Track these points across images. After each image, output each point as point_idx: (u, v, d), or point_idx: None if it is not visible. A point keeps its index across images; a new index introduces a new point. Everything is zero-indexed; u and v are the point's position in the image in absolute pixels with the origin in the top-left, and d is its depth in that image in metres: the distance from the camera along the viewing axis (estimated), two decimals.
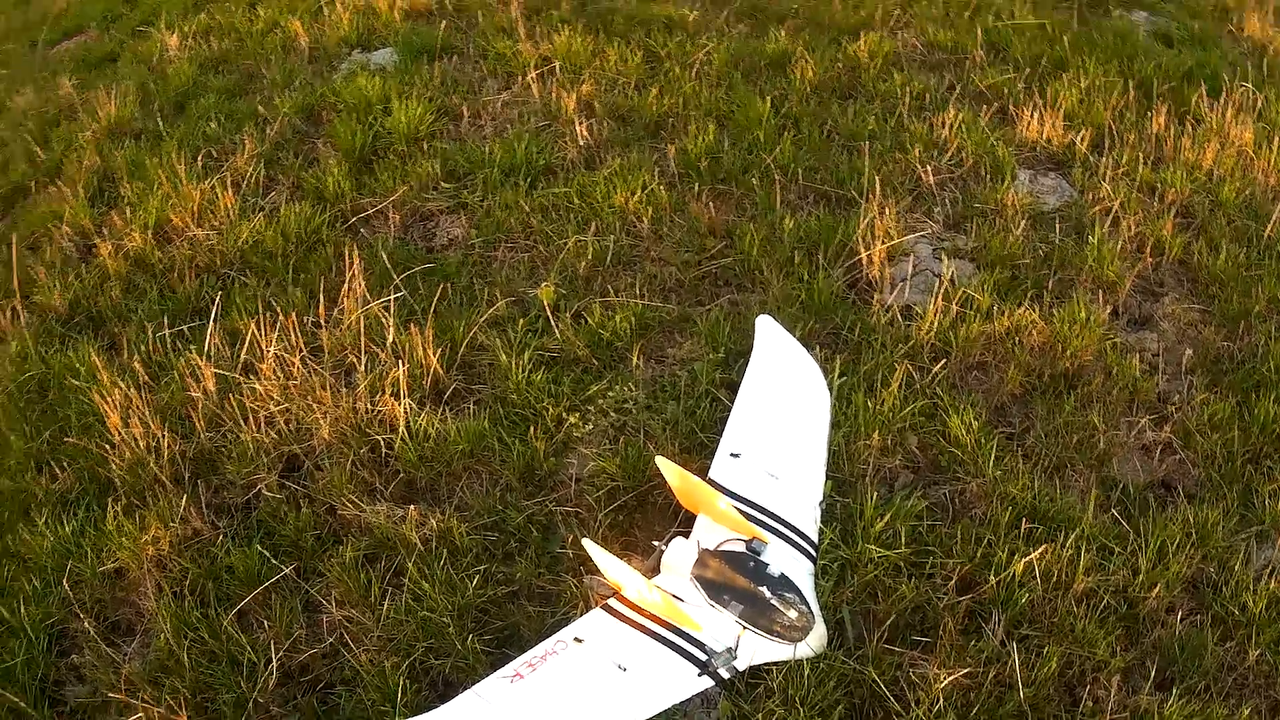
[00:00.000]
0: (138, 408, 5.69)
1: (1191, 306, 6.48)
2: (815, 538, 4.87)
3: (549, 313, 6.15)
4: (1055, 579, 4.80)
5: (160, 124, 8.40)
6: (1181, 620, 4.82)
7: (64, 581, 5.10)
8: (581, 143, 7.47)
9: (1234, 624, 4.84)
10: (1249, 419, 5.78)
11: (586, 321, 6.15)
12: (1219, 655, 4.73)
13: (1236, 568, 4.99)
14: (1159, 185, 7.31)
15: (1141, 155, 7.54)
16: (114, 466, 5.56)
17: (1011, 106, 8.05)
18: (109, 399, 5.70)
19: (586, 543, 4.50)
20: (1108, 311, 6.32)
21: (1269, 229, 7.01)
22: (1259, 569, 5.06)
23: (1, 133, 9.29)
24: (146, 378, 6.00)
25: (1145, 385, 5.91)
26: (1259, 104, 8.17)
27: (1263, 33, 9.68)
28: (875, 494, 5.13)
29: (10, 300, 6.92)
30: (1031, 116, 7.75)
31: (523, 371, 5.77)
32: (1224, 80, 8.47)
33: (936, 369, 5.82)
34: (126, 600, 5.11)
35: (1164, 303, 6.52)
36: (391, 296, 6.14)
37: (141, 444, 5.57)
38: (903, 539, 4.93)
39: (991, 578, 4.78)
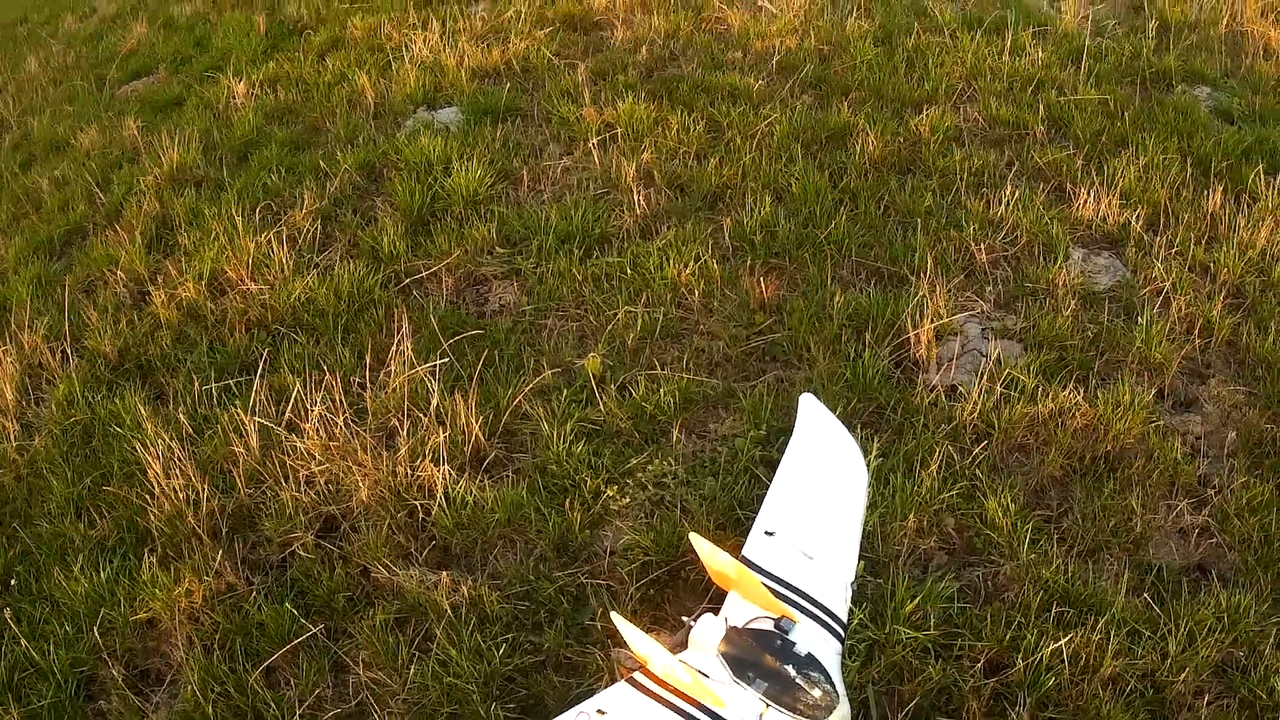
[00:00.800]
0: (180, 460, 5.74)
1: (1237, 389, 6.42)
2: (845, 618, 4.84)
3: (594, 384, 6.15)
4: (1083, 662, 4.76)
5: (222, 173, 8.46)
6: (1208, 705, 4.77)
7: (95, 628, 5.14)
8: (639, 212, 7.45)
9: (1261, 708, 4.79)
10: None
11: (631, 394, 6.12)
12: None
13: (1266, 651, 4.94)
14: (1211, 265, 7.23)
15: (1195, 234, 7.47)
16: (153, 517, 5.59)
17: (1069, 184, 7.98)
18: (152, 450, 5.75)
19: (615, 616, 4.49)
20: (1153, 394, 6.26)
21: None
22: None
23: (64, 171, 9.36)
24: (190, 430, 6.06)
25: (1186, 469, 5.84)
26: None
27: None
28: (908, 575, 5.10)
29: (60, 343, 6.98)
30: (1088, 195, 7.69)
31: (564, 442, 5.76)
32: None
33: (977, 450, 5.77)
34: (156, 650, 5.16)
35: (1210, 385, 6.46)
36: (437, 362, 6.15)
37: (181, 496, 5.61)
38: (933, 621, 4.90)
39: (1020, 660, 4.74)
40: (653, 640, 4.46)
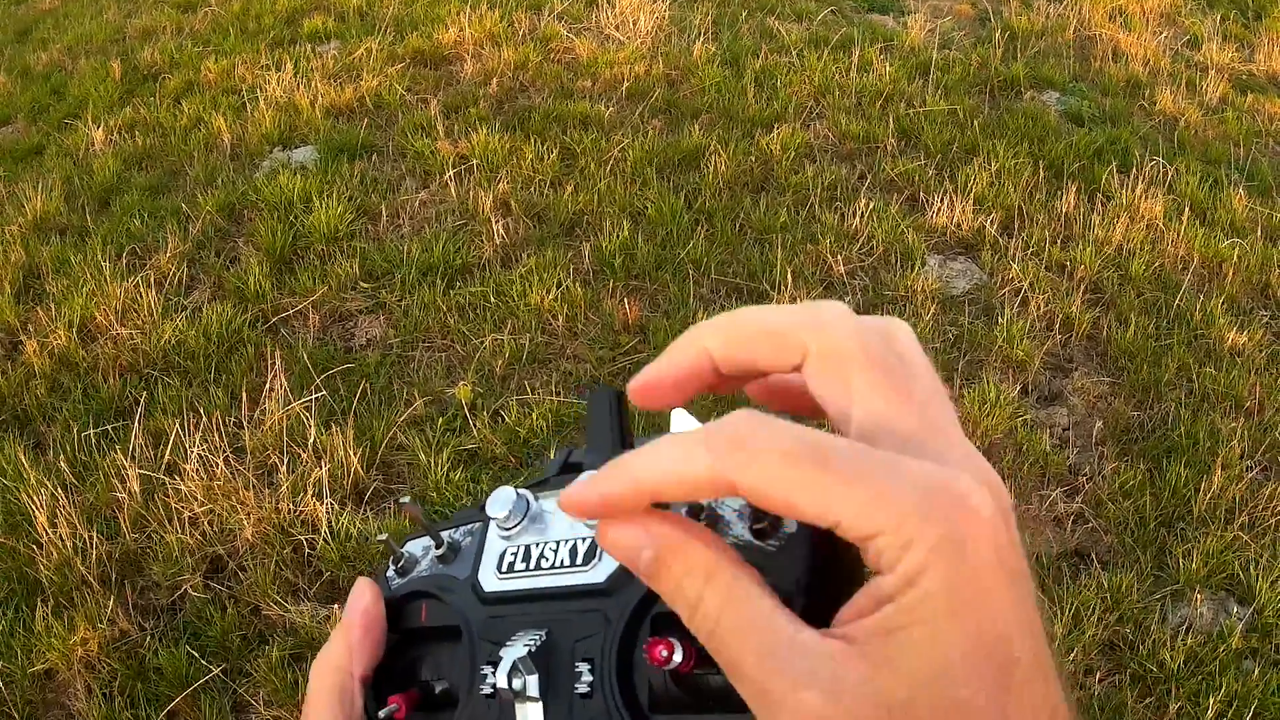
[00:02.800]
0: (64, 508, 5.75)
1: (1101, 380, 6.67)
2: None
3: (466, 411, 6.27)
4: None
5: (85, 220, 8.48)
6: (1100, 681, 5.01)
7: None
8: (498, 241, 7.56)
9: (1152, 680, 5.04)
10: (1160, 484, 5.99)
11: (504, 419, 6.26)
12: (1139, 712, 4.92)
13: (1153, 627, 5.21)
14: (1068, 263, 7.51)
15: (1051, 234, 7.75)
16: (42, 566, 5.60)
17: (922, 193, 8.22)
18: (36, 498, 5.76)
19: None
20: (1018, 389, 6.50)
21: (1178, 299, 7.23)
22: (1175, 626, 5.28)
23: None
24: (72, 477, 6.07)
25: (1056, 459, 6.10)
26: (1169, 177, 8.42)
27: (1174, 106, 9.92)
28: None
29: None
30: (941, 202, 7.93)
31: (442, 470, 5.89)
32: (1135, 156, 8.74)
33: None
34: (57, 701, 5.16)
35: (1074, 378, 6.71)
36: (312, 397, 6.24)
37: (69, 544, 5.62)
38: None
39: None
40: None
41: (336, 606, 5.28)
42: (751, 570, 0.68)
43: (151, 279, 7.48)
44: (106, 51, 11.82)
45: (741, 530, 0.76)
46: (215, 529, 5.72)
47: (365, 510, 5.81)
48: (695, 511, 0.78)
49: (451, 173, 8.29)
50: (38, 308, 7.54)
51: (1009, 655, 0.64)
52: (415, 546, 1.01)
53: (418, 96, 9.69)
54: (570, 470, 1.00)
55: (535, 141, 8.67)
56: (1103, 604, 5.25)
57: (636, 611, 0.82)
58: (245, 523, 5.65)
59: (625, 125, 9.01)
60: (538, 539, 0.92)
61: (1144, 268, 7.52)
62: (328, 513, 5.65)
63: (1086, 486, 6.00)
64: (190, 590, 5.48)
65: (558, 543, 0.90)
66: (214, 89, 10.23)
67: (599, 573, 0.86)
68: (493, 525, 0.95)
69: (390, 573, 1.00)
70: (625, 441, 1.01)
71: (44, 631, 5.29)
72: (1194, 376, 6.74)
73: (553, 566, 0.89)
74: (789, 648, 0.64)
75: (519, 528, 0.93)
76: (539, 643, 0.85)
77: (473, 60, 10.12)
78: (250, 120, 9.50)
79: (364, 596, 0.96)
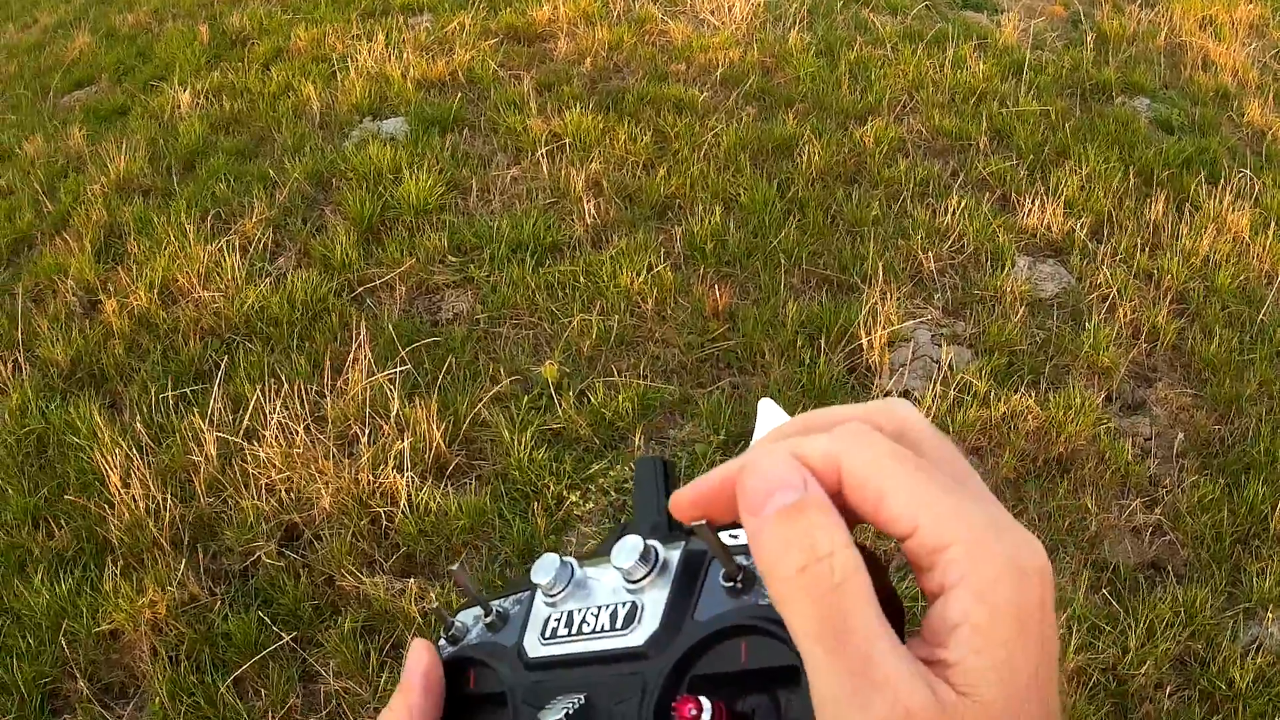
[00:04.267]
0: (138, 469, 5.70)
1: (1184, 391, 6.56)
2: None
3: (552, 391, 6.18)
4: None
5: (170, 182, 8.43)
6: (1170, 696, 4.89)
7: (59, 640, 5.10)
8: (589, 221, 7.47)
9: (1221, 698, 4.92)
10: (1238, 500, 5.86)
11: (589, 401, 6.15)
12: None
13: (1224, 644, 5.10)
14: (1155, 272, 7.37)
15: (1139, 242, 7.61)
16: (113, 527, 5.55)
17: (1013, 193, 8.10)
18: (109, 458, 5.71)
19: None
20: (1102, 397, 6.39)
21: (1262, 314, 7.09)
22: (1246, 644, 5.17)
23: (9, 180, 9.28)
24: (148, 439, 6.01)
25: (1137, 469, 5.97)
26: (1256, 190, 8.29)
27: (1262, 119, 9.77)
28: None
29: (13, 352, 6.93)
30: (1032, 204, 7.80)
31: (525, 449, 5.79)
32: (1223, 166, 8.60)
33: None
34: (121, 663, 5.10)
35: (1157, 388, 6.59)
36: (397, 370, 6.16)
37: (141, 506, 5.57)
38: None
39: None
40: None
41: (412, 581, 5.19)
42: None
43: (236, 244, 7.42)
44: (194, 15, 11.83)
45: None
46: (292, 497, 5.64)
47: (446, 485, 5.72)
48: (731, 575, 0.83)
49: (543, 150, 8.20)
50: (119, 267, 7.50)
51: (1052, 702, 0.69)
52: (467, 616, 1.02)
53: (510, 73, 9.61)
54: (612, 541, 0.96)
55: (628, 123, 8.56)
56: (1176, 618, 5.16)
57: (673, 673, 0.84)
58: (323, 492, 5.56)
59: (719, 111, 8.90)
60: (580, 605, 0.93)
61: (1229, 280, 7.38)
62: (408, 486, 5.56)
63: (1166, 498, 5.90)
64: (264, 557, 5.40)
65: (599, 608, 0.91)
66: (303, 57, 10.18)
67: (637, 636, 0.87)
68: (538, 593, 0.96)
69: (441, 641, 1.02)
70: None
71: (111, 592, 5.23)
72: (1275, 393, 6.61)
73: (594, 631, 0.90)
74: (893, 641, 0.68)
75: (563, 594, 0.94)
76: (577, 706, 0.86)
77: (566, 39, 10.03)
78: (340, 89, 9.44)
79: (423, 659, 0.96)
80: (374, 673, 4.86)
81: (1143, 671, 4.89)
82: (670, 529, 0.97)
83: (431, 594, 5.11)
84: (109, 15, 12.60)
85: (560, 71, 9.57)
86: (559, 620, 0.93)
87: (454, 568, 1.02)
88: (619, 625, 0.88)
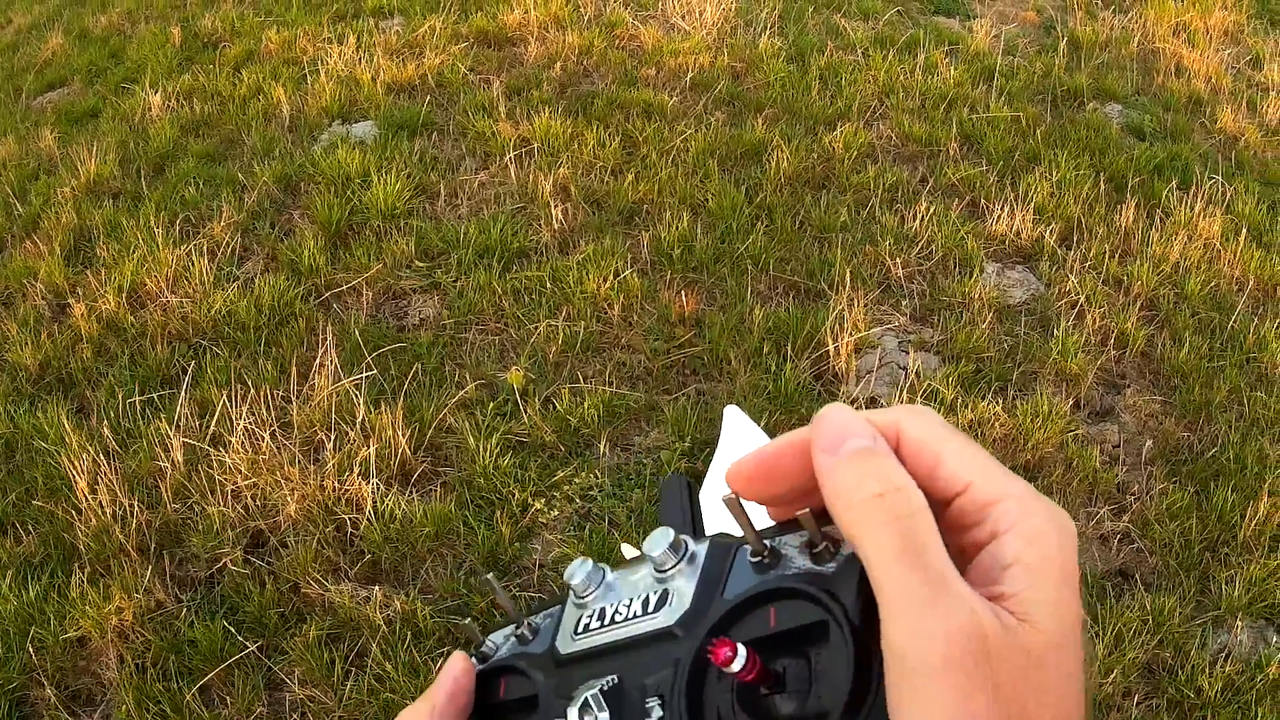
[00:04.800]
0: (105, 474, 5.70)
1: (1153, 398, 6.58)
2: None
3: (518, 397, 6.19)
4: None
5: (139, 185, 8.43)
6: (1138, 704, 4.92)
7: (26, 646, 5.10)
8: (556, 226, 7.47)
9: (1189, 706, 4.95)
10: (1207, 507, 5.89)
11: (555, 407, 6.16)
12: None
13: (1192, 652, 5.12)
14: (1125, 278, 7.39)
15: (1109, 248, 7.63)
16: (80, 533, 5.56)
17: (983, 200, 8.11)
18: (77, 463, 5.72)
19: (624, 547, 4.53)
20: (1070, 404, 6.41)
21: (1232, 320, 7.13)
22: (1214, 653, 5.20)
23: None
24: (115, 444, 6.02)
25: (1105, 476, 5.99)
26: (1228, 197, 8.30)
27: (1235, 125, 9.80)
28: None
29: None
30: (1002, 210, 7.82)
31: (490, 455, 5.80)
32: (1195, 173, 8.62)
33: None
34: (88, 670, 5.11)
35: (1126, 395, 6.62)
36: (363, 375, 6.17)
37: (108, 511, 5.58)
38: None
39: None
40: None
41: (377, 589, 5.21)
42: None
43: (204, 247, 7.42)
44: (167, 17, 11.82)
45: (803, 561, 0.84)
46: (258, 503, 5.66)
47: (411, 492, 5.73)
48: (759, 552, 0.87)
49: (512, 155, 8.21)
50: (87, 271, 7.51)
51: (1080, 647, 0.75)
52: (497, 637, 1.04)
53: (480, 77, 9.62)
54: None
55: (597, 128, 8.57)
56: (1144, 626, 5.18)
57: (705, 641, 0.84)
58: (289, 498, 5.57)
59: (688, 116, 8.91)
60: (612, 602, 0.95)
61: (1199, 287, 7.40)
62: (373, 493, 5.57)
63: (1134, 505, 5.92)
64: (230, 564, 5.41)
65: (630, 599, 0.93)
66: (274, 59, 10.19)
67: (667, 617, 0.89)
68: (570, 597, 0.98)
69: (471, 660, 1.03)
70: (696, 525, 1.11)
71: (79, 598, 5.24)
72: (1245, 400, 6.64)
73: (625, 619, 0.92)
74: (952, 569, 0.74)
75: (593, 596, 0.96)
76: (609, 685, 0.88)
77: (537, 43, 10.04)
78: (310, 92, 9.44)
79: (456, 665, 0.99)
80: (339, 681, 4.88)
81: (1110, 680, 4.91)
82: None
83: (397, 601, 5.13)
84: (83, 17, 12.58)
85: (530, 76, 9.57)
86: (590, 616, 0.95)
87: (487, 577, 1.03)
88: (650, 609, 0.91)
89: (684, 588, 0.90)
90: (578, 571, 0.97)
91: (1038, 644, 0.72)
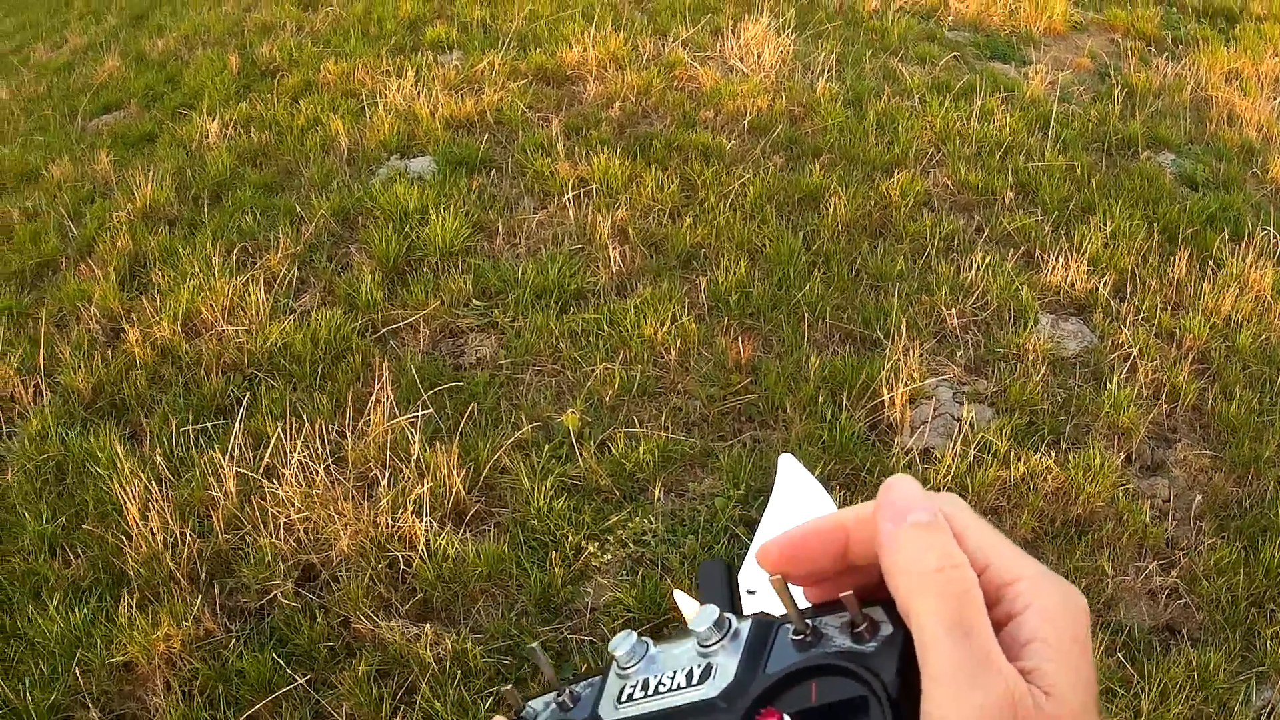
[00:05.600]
0: (157, 501, 5.70)
1: (1203, 453, 6.52)
2: None
3: (573, 440, 6.17)
4: None
5: (196, 212, 8.46)
6: None
7: (72, 669, 5.10)
8: (614, 268, 7.46)
9: None
10: (1254, 563, 5.82)
11: (610, 451, 6.14)
12: None
13: (1236, 708, 5.08)
14: (1177, 331, 7.36)
15: (1162, 301, 7.60)
16: (129, 558, 5.55)
17: (1038, 250, 8.07)
18: (128, 489, 5.72)
19: (677, 593, 4.51)
20: (1121, 457, 6.36)
21: None
22: (1258, 709, 5.16)
23: (35, 202, 9.30)
24: (167, 472, 6.02)
25: (1155, 531, 5.94)
26: (1279, 248, 8.24)
27: None
28: None
29: (34, 377, 6.95)
30: (1057, 261, 7.79)
31: (544, 497, 5.77)
32: (1246, 224, 8.59)
33: None
34: (134, 695, 5.09)
35: (1176, 449, 6.56)
36: (419, 414, 6.16)
37: (159, 538, 5.58)
38: None
39: None
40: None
41: (428, 626, 5.19)
42: None
43: (261, 278, 7.43)
44: (224, 44, 11.90)
45: (843, 640, 0.87)
46: (310, 537, 5.64)
47: (465, 531, 5.71)
48: (801, 630, 0.89)
49: (570, 195, 8.20)
50: (142, 297, 7.52)
51: (1098, 714, 0.80)
52: (538, 704, 1.05)
53: (539, 114, 9.63)
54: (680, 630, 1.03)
55: (655, 170, 8.57)
56: (1189, 681, 5.14)
57: (748, 715, 0.87)
58: (341, 533, 5.56)
59: (746, 159, 8.91)
60: (655, 674, 0.97)
61: (1251, 340, 7.35)
62: (426, 531, 5.55)
63: (1183, 561, 5.87)
64: (280, 596, 5.39)
65: (674, 670, 0.95)
66: (333, 91, 10.21)
67: (712, 689, 0.91)
68: (613, 667, 1.00)
69: None
70: (735, 607, 1.07)
71: (126, 624, 5.23)
72: None
73: (669, 690, 0.94)
74: (996, 646, 0.79)
75: (637, 667, 0.98)
76: None
77: (595, 81, 10.06)
78: (369, 126, 9.46)
79: None
80: (387, 717, 4.85)
81: None
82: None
83: (447, 640, 5.10)
84: (139, 39, 12.67)
85: (589, 115, 9.59)
86: (634, 686, 0.97)
87: (532, 646, 1.09)
88: (695, 681, 0.92)
89: (727, 662, 0.92)
90: (622, 643, 0.99)
91: (1063, 715, 0.77)
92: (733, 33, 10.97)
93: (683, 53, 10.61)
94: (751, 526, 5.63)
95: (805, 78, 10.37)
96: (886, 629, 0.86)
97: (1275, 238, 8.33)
